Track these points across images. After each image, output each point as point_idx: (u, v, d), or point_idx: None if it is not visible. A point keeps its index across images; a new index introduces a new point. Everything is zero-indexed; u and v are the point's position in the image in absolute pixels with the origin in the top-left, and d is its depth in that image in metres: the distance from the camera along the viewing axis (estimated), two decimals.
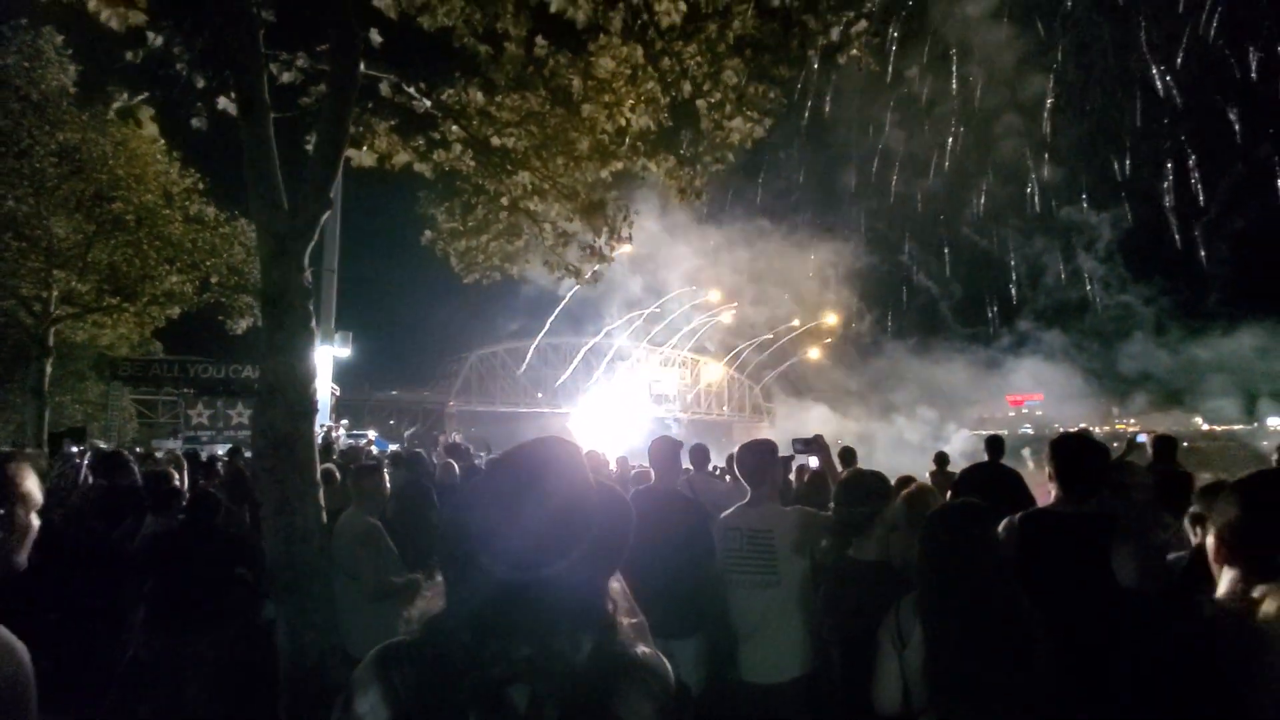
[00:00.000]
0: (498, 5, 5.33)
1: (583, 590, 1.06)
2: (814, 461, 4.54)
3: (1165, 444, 5.41)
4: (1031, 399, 37.61)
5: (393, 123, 5.75)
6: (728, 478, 7.11)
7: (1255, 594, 1.37)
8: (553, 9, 5.47)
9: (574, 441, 1.20)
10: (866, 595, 2.38)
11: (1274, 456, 4.79)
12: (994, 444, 5.96)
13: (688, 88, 5.50)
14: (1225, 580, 1.49)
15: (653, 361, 39.34)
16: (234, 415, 18.73)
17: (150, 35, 3.86)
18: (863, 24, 4.55)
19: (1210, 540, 1.56)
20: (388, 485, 3.78)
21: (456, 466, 6.87)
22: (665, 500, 3.11)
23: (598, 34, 5.58)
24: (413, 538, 3.43)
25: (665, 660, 1.10)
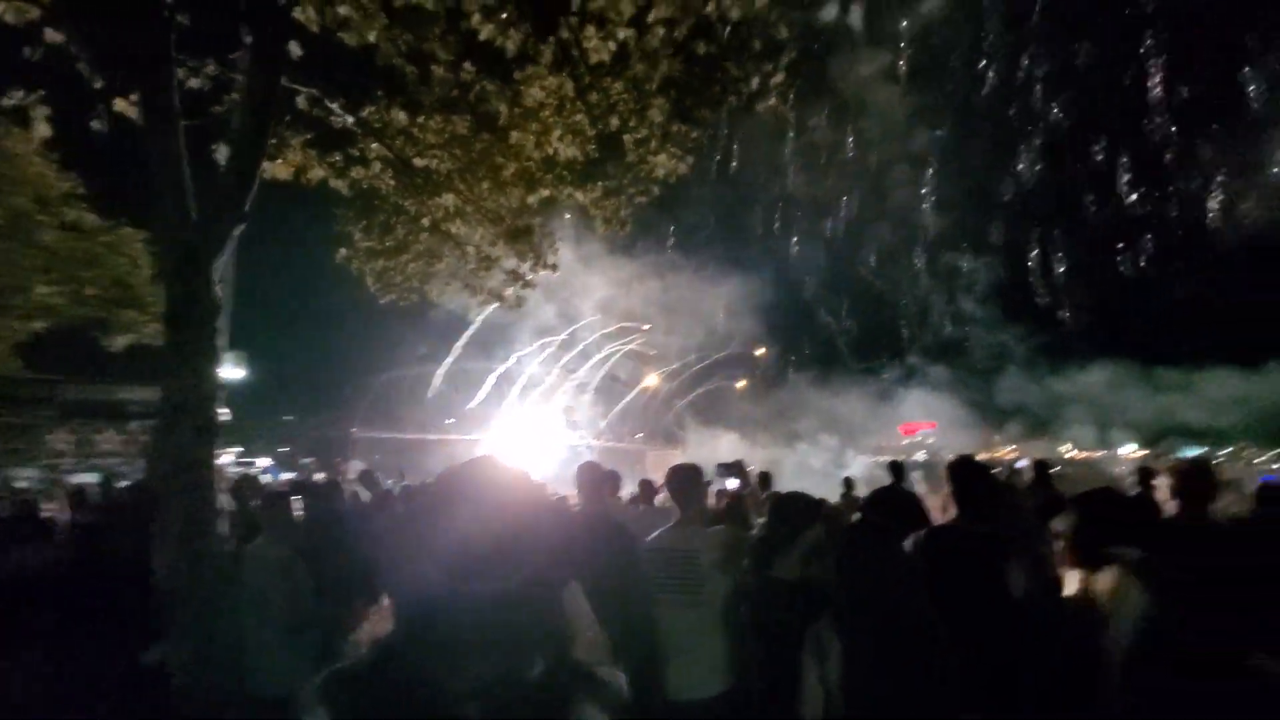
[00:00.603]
0: (426, 28, 5.32)
1: (536, 605, 1.08)
2: (732, 484, 4.69)
3: (1042, 468, 6.07)
4: (925, 428, 40.25)
5: (309, 137, 5.56)
6: (644, 505, 7.17)
7: (1094, 584, 1.61)
8: (482, 36, 5.52)
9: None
10: (788, 612, 2.49)
11: (1127, 479, 5.46)
12: (896, 468, 6.43)
13: (615, 122, 5.67)
14: (1072, 580, 1.73)
15: (566, 388, 39.17)
16: (100, 441, 16.94)
17: (49, 32, 3.58)
18: (780, 76, 4.90)
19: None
20: (298, 514, 3.59)
21: (367, 494, 6.56)
22: (592, 525, 3.13)
23: (526, 64, 5.67)
24: (325, 569, 3.25)
25: (619, 674, 1.13)
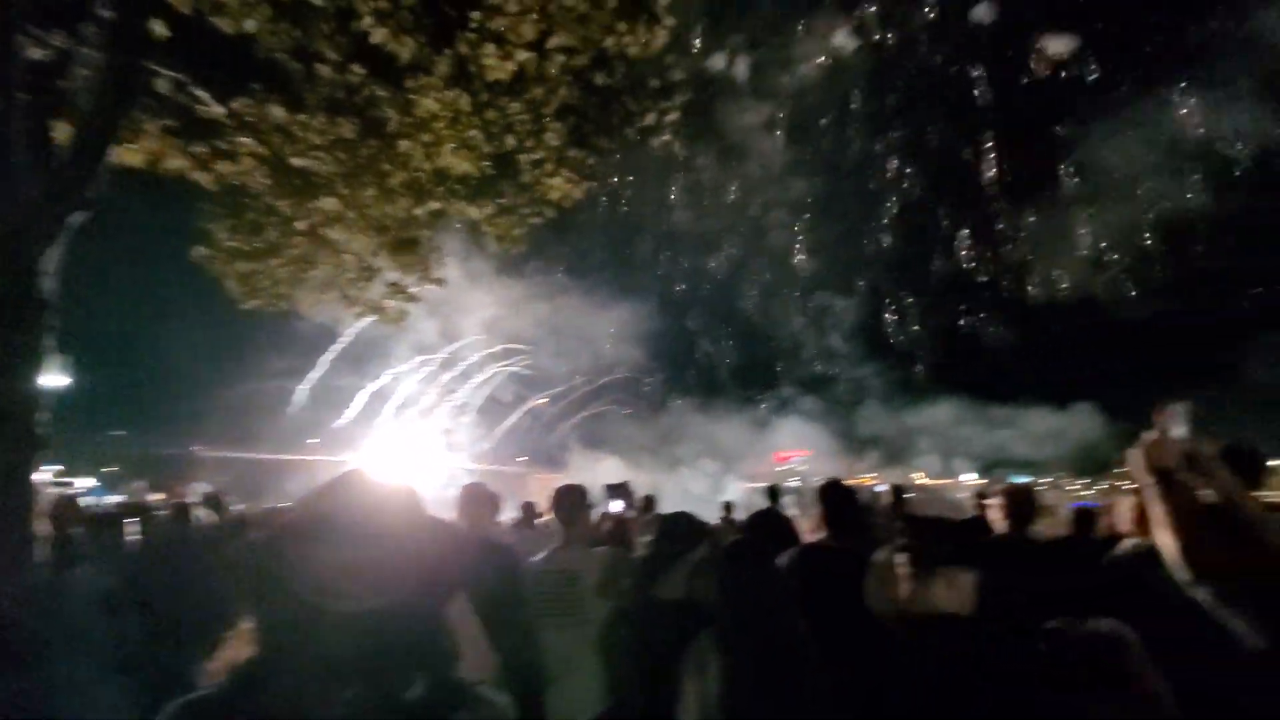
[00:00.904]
0: (312, 24, 5.07)
1: (414, 623, 1.05)
2: (615, 506, 4.73)
3: (898, 492, 6.69)
4: (798, 455, 42.65)
5: (170, 124, 5.07)
6: (526, 528, 7.05)
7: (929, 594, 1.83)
8: (373, 40, 5.34)
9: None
10: (670, 631, 2.54)
11: (967, 502, 6.12)
12: (772, 492, 6.83)
13: (511, 141, 5.65)
14: (908, 592, 1.94)
15: (445, 409, 37.63)
16: None
17: None
18: (674, 115, 5.14)
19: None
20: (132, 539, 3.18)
21: (213, 517, 5.93)
22: (476, 545, 3.05)
23: (420, 74, 5.54)
24: (163, 600, 2.91)
25: (502, 695, 1.12)
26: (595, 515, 5.71)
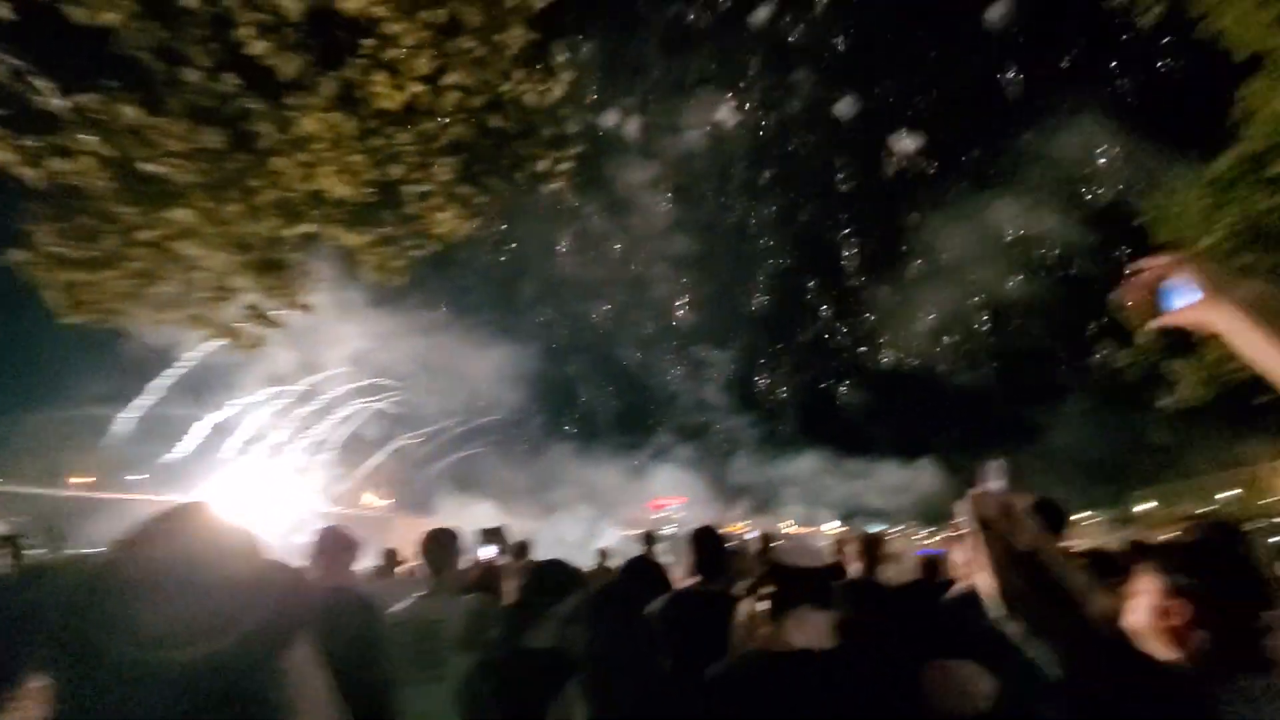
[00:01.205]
0: (184, 27, 4.72)
1: (246, 677, 0.97)
2: (487, 553, 4.57)
3: (768, 539, 7.01)
4: (673, 503, 43.43)
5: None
6: (386, 576, 6.59)
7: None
8: (250, 51, 5.06)
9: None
10: (537, 683, 2.47)
11: (828, 549, 6.51)
12: (647, 539, 6.89)
13: (397, 170, 5.50)
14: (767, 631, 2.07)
15: (301, 446, 34.56)
16: None
17: None
18: (566, 164, 5.26)
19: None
20: None
21: (6, 561, 5.00)
22: (330, 594, 2.81)
23: (302, 92, 5.30)
24: None
25: None
26: (467, 562, 5.47)
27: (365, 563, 7.06)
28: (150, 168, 5.20)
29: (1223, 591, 1.56)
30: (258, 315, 5.57)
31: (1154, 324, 1.21)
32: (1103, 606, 2.05)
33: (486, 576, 5.17)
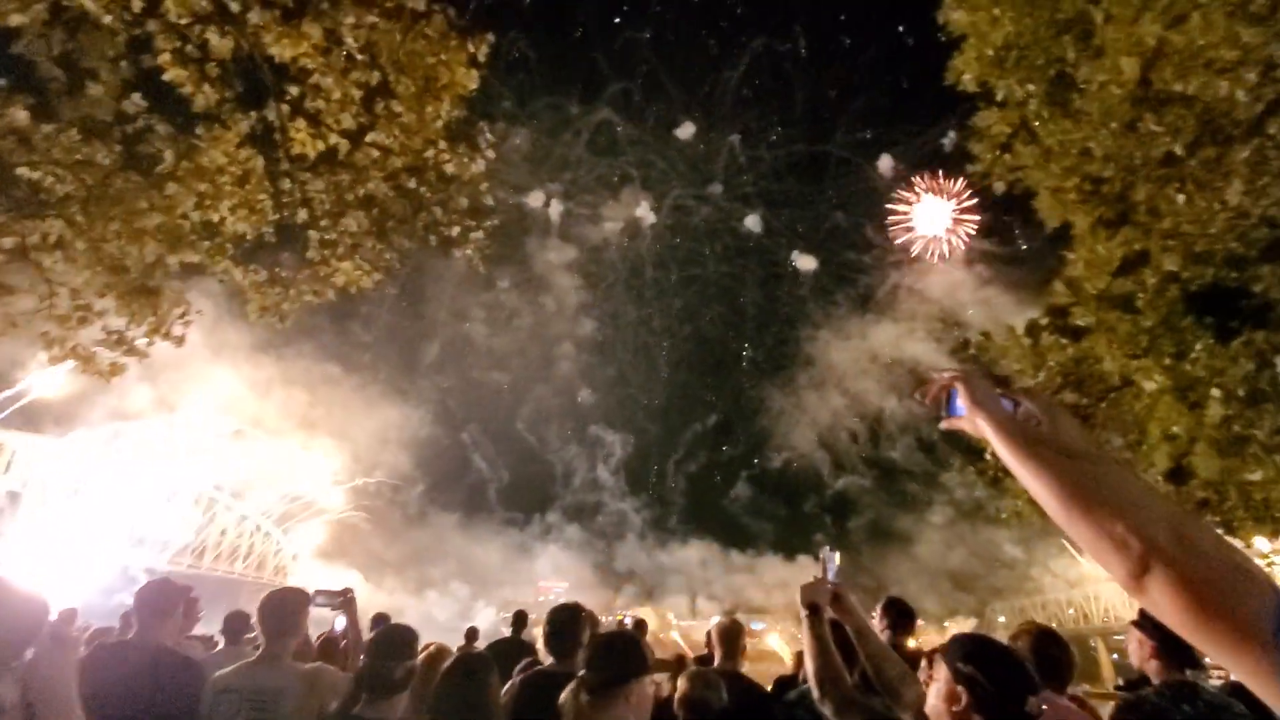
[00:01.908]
0: (94, 44, 4.58)
1: None
2: (340, 623, 4.28)
3: (641, 624, 6.99)
4: (557, 585, 41.85)
5: None
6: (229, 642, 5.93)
7: None
8: (166, 77, 4.97)
9: None
10: None
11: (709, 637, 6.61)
12: (518, 618, 6.60)
13: (304, 215, 5.43)
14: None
15: (138, 492, 30.54)
16: None
17: None
18: (480, 234, 5.40)
19: None
20: None
21: None
22: (143, 657, 2.53)
23: (216, 124, 5.21)
24: None
25: None
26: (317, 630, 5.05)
27: (209, 628, 6.35)
28: (25, 172, 4.86)
29: (996, 680, 1.77)
30: (120, 342, 5.15)
31: (941, 426, 1.31)
32: (916, 693, 2.26)
33: (329, 645, 4.80)
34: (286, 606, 2.85)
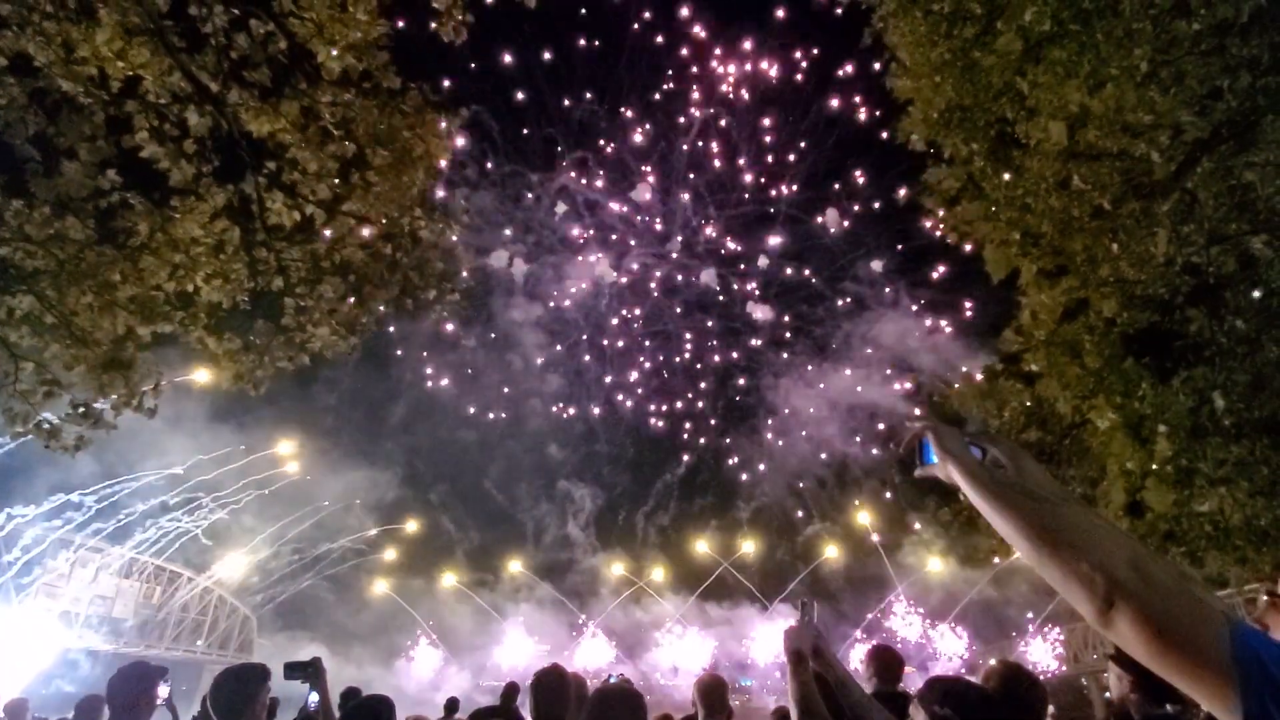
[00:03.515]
0: (71, 125, 4.68)
1: None
2: (313, 699, 4.16)
3: (627, 683, 6.85)
4: (540, 647, 40.46)
5: None
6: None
7: None
8: (144, 154, 5.08)
9: None
10: None
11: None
12: (509, 691, 6.36)
13: (279, 283, 5.49)
14: None
15: (91, 568, 28.89)
16: None
17: None
18: (456, 295, 5.52)
19: None
20: None
21: None
22: None
23: (192, 197, 5.30)
24: None
25: None
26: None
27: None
28: None
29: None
30: (87, 416, 5.08)
31: (916, 474, 1.35)
32: None
33: None
34: (242, 683, 2.67)
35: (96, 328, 5.11)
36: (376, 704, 2.72)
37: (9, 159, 4.77)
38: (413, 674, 37.60)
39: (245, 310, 5.58)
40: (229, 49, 4.95)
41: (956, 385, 5.68)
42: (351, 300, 5.47)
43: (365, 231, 5.25)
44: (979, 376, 5.89)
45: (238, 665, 2.86)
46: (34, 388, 5.03)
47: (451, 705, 8.18)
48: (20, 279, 4.92)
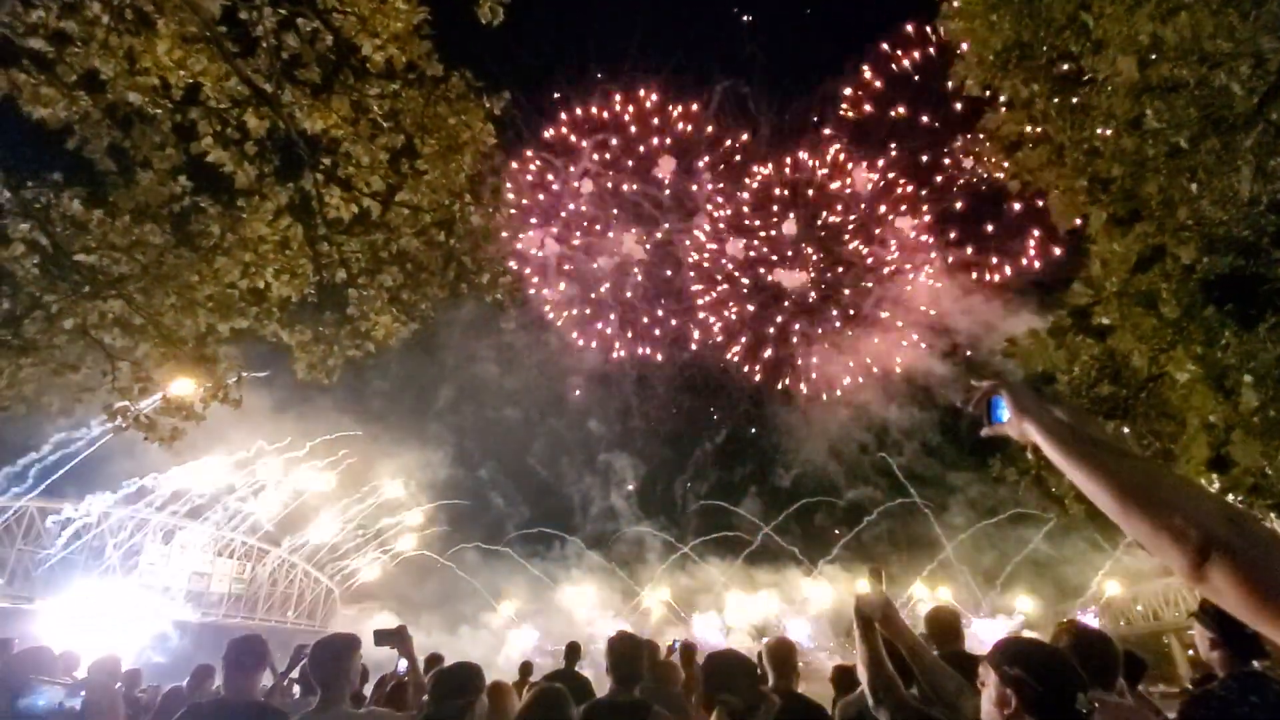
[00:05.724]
0: (144, 134, 4.93)
1: None
2: (402, 665, 4.43)
3: (690, 647, 6.97)
4: (600, 613, 41.92)
5: None
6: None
7: None
8: (210, 159, 5.31)
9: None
10: None
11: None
12: (571, 651, 6.70)
13: (342, 274, 5.72)
14: None
15: (198, 546, 31.18)
16: None
17: None
18: (509, 277, 5.65)
19: None
20: None
21: None
22: (246, 714, 2.68)
23: (257, 198, 5.54)
24: None
25: None
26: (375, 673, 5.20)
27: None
28: (83, 258, 5.23)
29: (1043, 679, 1.80)
30: (179, 409, 5.45)
31: (984, 433, 1.36)
32: (975, 705, 2.32)
33: (396, 691, 4.93)
34: (336, 653, 2.86)
35: (180, 326, 5.45)
36: (464, 671, 2.88)
37: (89, 172, 5.08)
38: (479, 640, 39.43)
39: (313, 303, 5.85)
40: (279, 50, 5.10)
41: (1021, 341, 5.50)
42: (410, 288, 5.67)
43: (419, 220, 5.40)
44: (1044, 334, 5.68)
45: (331, 635, 3.04)
46: (130, 385, 5.41)
47: (525, 669, 8.58)
48: (109, 284, 5.27)
